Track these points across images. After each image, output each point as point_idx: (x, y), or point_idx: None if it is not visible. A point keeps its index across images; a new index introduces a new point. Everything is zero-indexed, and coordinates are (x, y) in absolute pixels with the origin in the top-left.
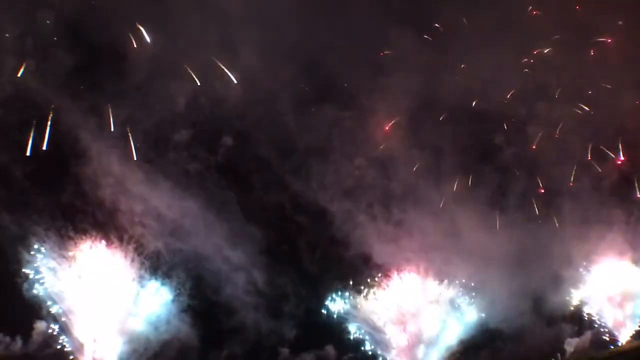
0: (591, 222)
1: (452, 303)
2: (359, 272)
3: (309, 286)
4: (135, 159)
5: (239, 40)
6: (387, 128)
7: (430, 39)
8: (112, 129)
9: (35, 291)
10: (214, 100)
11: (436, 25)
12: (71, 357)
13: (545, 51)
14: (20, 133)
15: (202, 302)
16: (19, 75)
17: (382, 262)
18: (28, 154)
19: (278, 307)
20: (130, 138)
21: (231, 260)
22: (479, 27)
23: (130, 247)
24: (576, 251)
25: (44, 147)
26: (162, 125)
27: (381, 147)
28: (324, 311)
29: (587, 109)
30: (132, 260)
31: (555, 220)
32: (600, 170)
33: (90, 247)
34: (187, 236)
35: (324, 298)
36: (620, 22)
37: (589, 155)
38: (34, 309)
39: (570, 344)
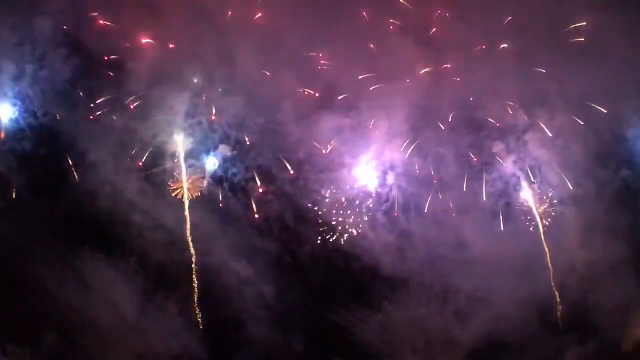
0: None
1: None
2: (366, 284)
3: (317, 299)
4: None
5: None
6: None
7: None
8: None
9: (44, 303)
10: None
11: None
12: None
13: None
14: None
15: (209, 315)
16: None
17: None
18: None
19: (286, 320)
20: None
21: (238, 273)
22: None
23: (132, 260)
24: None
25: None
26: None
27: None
28: (331, 324)
29: None
30: (135, 273)
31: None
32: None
33: (92, 260)
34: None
35: (331, 311)
36: None
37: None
38: (43, 321)
39: (574, 353)
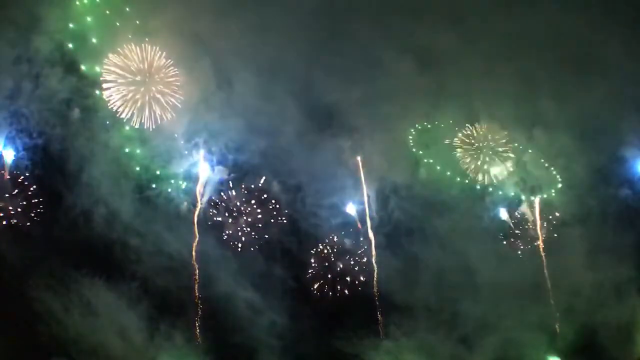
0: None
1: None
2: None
3: (327, 326)
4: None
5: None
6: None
7: None
8: None
9: (50, 329)
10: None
11: None
12: None
13: None
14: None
15: (217, 342)
16: None
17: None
18: None
19: (297, 348)
20: None
21: (247, 300)
22: None
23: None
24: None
25: None
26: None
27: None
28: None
29: None
30: (139, 300)
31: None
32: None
33: (95, 285)
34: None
35: (342, 337)
36: None
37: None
38: (51, 347)
39: None
